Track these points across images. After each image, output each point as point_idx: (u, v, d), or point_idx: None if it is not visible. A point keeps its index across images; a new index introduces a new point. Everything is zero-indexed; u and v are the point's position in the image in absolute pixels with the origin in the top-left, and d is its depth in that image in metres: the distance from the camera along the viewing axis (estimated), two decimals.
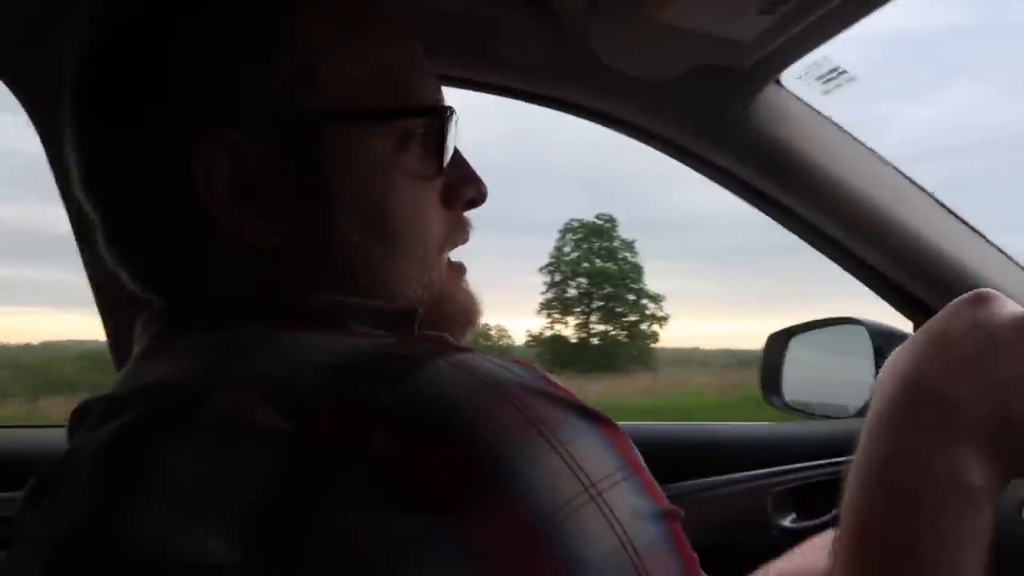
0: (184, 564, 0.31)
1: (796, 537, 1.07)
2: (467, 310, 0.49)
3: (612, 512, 0.32)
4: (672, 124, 0.94)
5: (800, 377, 1.24)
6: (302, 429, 0.32)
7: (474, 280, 0.51)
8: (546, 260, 27.08)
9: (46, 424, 1.32)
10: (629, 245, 27.14)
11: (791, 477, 1.14)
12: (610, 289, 26.42)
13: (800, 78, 0.93)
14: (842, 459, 1.21)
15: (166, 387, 0.38)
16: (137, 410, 0.37)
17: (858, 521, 0.41)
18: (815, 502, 1.12)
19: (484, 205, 0.50)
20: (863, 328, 1.11)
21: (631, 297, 26.96)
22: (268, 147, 0.42)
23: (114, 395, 0.41)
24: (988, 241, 1.04)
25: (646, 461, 0.36)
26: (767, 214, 1.04)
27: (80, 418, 0.41)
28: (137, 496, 0.34)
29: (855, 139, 0.98)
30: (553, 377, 0.36)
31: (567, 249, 27.32)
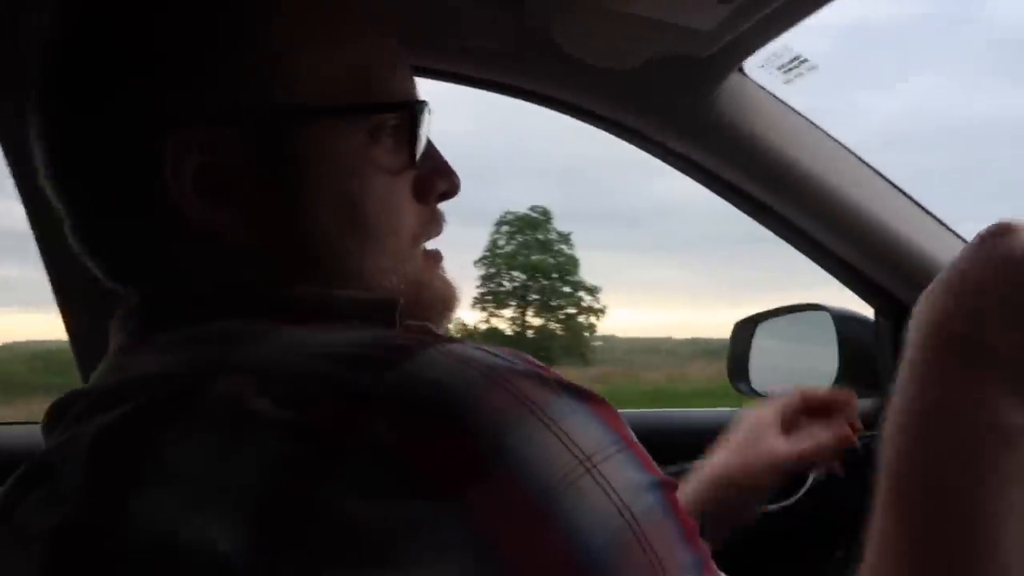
0: (187, 552, 0.31)
1: (761, 521, 1.09)
2: (444, 297, 0.49)
3: (608, 483, 0.33)
4: (636, 113, 0.95)
5: (767, 363, 1.26)
6: (301, 416, 0.32)
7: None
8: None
9: None
10: (565, 237, 27.16)
11: None
12: (545, 282, 26.41)
13: (763, 67, 0.94)
14: None
15: (158, 379, 0.38)
16: (132, 402, 0.37)
17: (897, 469, 0.41)
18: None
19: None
20: (827, 314, 1.13)
21: (567, 290, 26.97)
22: (238, 143, 0.42)
23: (99, 389, 0.40)
24: (948, 229, 1.06)
25: None
26: (731, 202, 1.05)
27: (57, 414, 0.41)
28: (138, 486, 0.34)
29: (817, 128, 0.99)
30: (540, 362, 0.37)
31: (501, 242, 27.14)
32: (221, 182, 0.41)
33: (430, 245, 0.50)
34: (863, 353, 1.26)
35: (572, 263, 27.08)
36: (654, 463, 0.36)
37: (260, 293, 0.42)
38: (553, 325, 27.18)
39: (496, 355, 0.35)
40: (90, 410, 0.38)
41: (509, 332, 27.31)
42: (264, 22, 0.42)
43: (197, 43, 0.41)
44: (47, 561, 0.35)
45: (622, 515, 0.33)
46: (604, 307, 27.13)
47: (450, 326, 0.51)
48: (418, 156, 0.47)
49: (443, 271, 0.50)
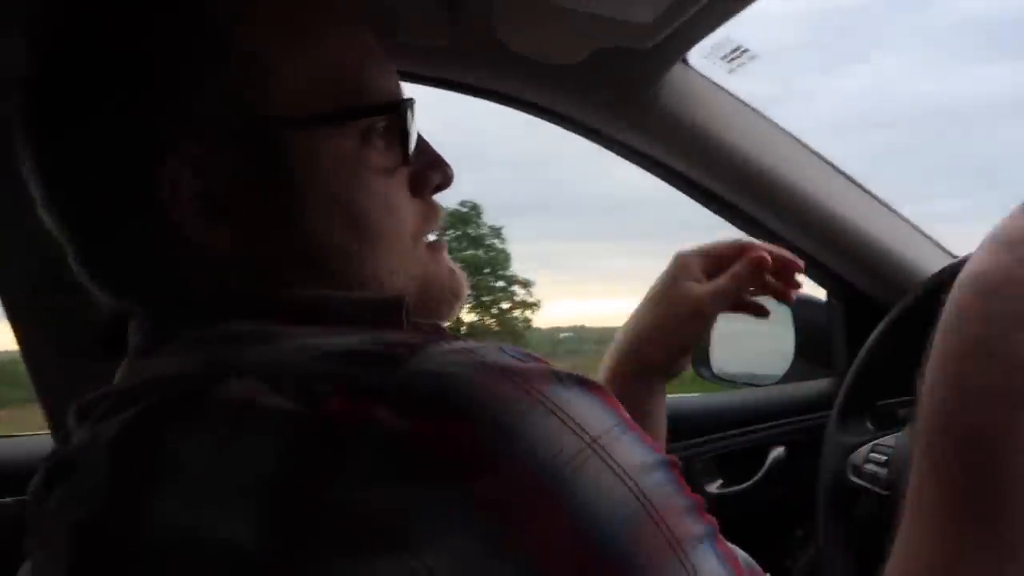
0: (206, 546, 0.32)
1: (722, 502, 1.11)
2: (452, 288, 0.50)
3: (616, 463, 0.34)
4: (583, 106, 0.95)
5: (727, 347, 1.28)
6: (311, 409, 0.33)
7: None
8: None
9: None
10: (496, 232, 26.67)
11: (718, 445, 1.17)
12: (478, 278, 25.90)
13: (706, 57, 0.96)
14: (763, 425, 1.25)
15: (170, 380, 0.38)
16: (147, 401, 0.37)
17: (933, 414, 0.41)
18: (738, 468, 1.16)
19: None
20: None
21: (500, 284, 26.50)
22: (230, 159, 0.41)
23: (120, 389, 0.41)
24: (895, 212, 1.08)
25: None
26: (684, 192, 1.07)
27: (83, 414, 0.42)
28: (155, 483, 0.34)
29: (762, 116, 1.01)
30: (538, 355, 0.37)
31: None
32: (220, 200, 0.42)
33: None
34: (817, 334, 1.28)
35: (504, 257, 26.54)
36: (654, 442, 0.37)
37: (266, 297, 0.42)
38: (488, 321, 26.73)
39: (495, 349, 0.36)
40: (110, 410, 0.39)
41: None
42: (245, 35, 0.42)
43: (180, 63, 0.41)
44: (73, 557, 0.36)
45: (633, 494, 0.33)
46: (538, 301, 26.86)
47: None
48: (411, 153, 0.47)
49: (447, 262, 0.50)
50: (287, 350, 0.37)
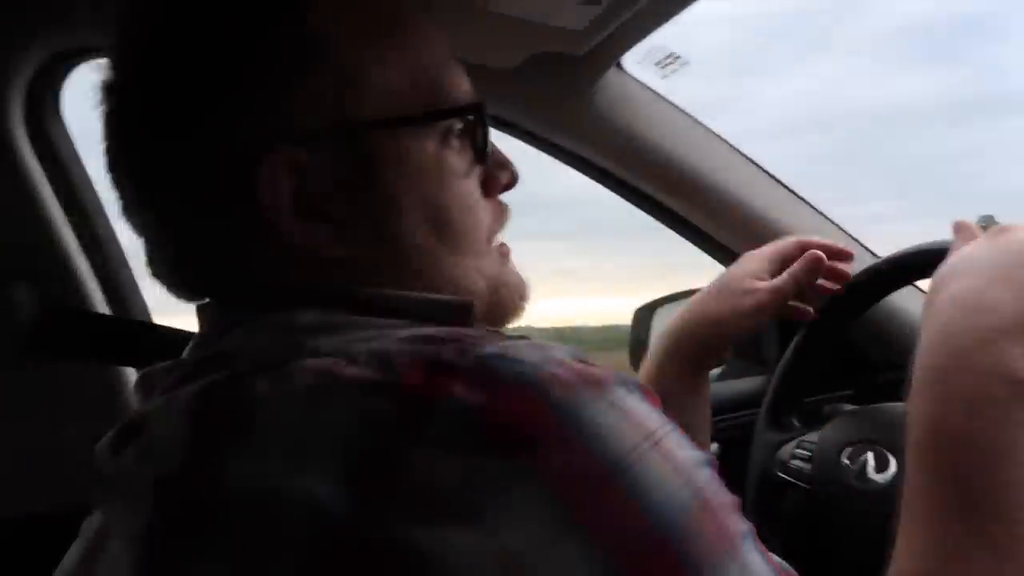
0: (285, 505, 0.33)
1: None
2: (520, 291, 0.51)
3: (672, 457, 0.35)
4: (518, 111, 0.96)
5: None
6: (392, 380, 0.34)
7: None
8: None
9: None
10: None
11: None
12: None
13: (640, 63, 0.97)
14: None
15: (252, 351, 0.40)
16: (229, 369, 0.38)
17: (922, 425, 0.45)
18: None
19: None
20: None
21: None
22: (324, 160, 0.43)
23: (195, 359, 0.42)
24: (823, 215, 1.12)
25: None
26: (619, 195, 1.08)
27: (149, 382, 0.44)
28: (238, 443, 0.35)
29: (695, 120, 1.03)
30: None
31: None
32: (313, 199, 0.43)
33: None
34: (751, 333, 1.32)
35: None
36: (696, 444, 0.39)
37: (345, 293, 0.43)
38: None
39: (558, 346, 0.38)
40: (185, 377, 0.40)
41: None
42: (339, 40, 0.43)
43: (277, 66, 0.42)
44: (153, 511, 0.37)
45: (689, 487, 0.35)
46: None
47: None
48: (482, 156, 0.48)
49: (513, 265, 0.52)
50: (360, 336, 0.39)
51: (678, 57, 0.91)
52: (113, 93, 0.45)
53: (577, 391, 0.35)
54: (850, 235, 1.13)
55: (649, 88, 0.99)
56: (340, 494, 0.32)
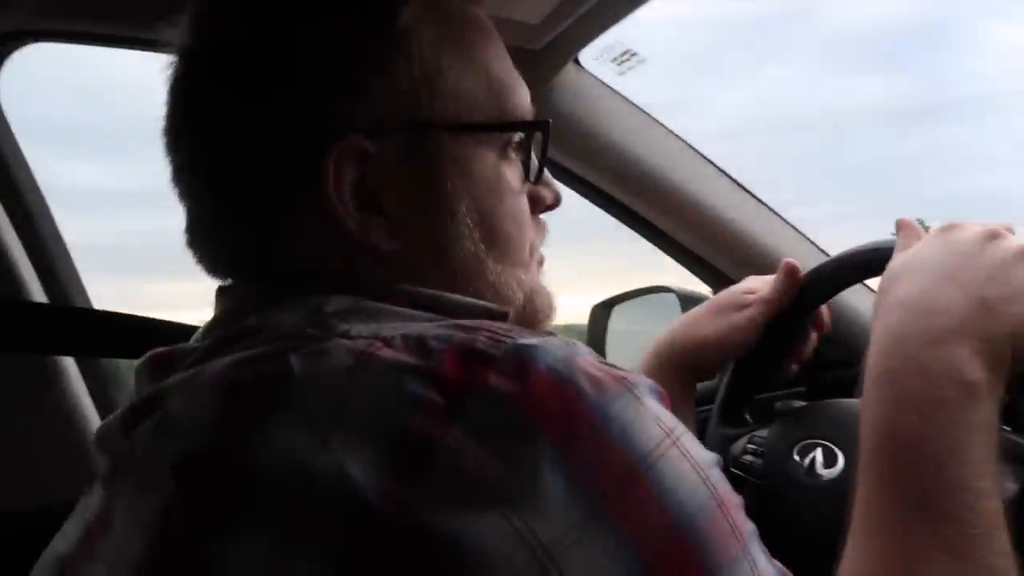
0: (318, 481, 0.32)
1: None
2: (551, 304, 0.52)
3: (689, 454, 0.36)
4: None
5: (622, 344, 1.31)
6: (430, 366, 0.34)
7: None
8: None
9: None
10: None
11: None
12: None
13: (597, 59, 0.97)
14: None
15: (284, 328, 0.39)
16: (259, 347, 0.38)
17: (875, 428, 0.46)
18: None
19: None
20: (673, 295, 1.18)
21: None
22: (391, 155, 0.43)
23: (220, 336, 0.41)
24: (775, 214, 1.13)
25: None
26: (577, 191, 1.08)
27: (160, 364, 0.43)
28: (272, 418, 0.35)
29: (651, 118, 1.03)
30: None
31: None
32: (373, 192, 0.43)
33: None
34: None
35: None
36: None
37: (376, 284, 0.43)
38: None
39: (588, 348, 0.38)
40: (211, 354, 0.40)
41: None
42: (422, 40, 0.44)
43: (360, 58, 0.43)
44: (171, 493, 0.36)
45: (705, 485, 0.35)
46: None
47: None
48: (541, 174, 0.50)
49: (544, 278, 0.53)
50: (395, 322, 0.39)
51: (635, 54, 0.92)
52: (187, 57, 0.45)
53: (606, 386, 0.35)
54: (802, 234, 1.14)
55: (606, 85, 0.99)
56: (374, 475, 0.32)
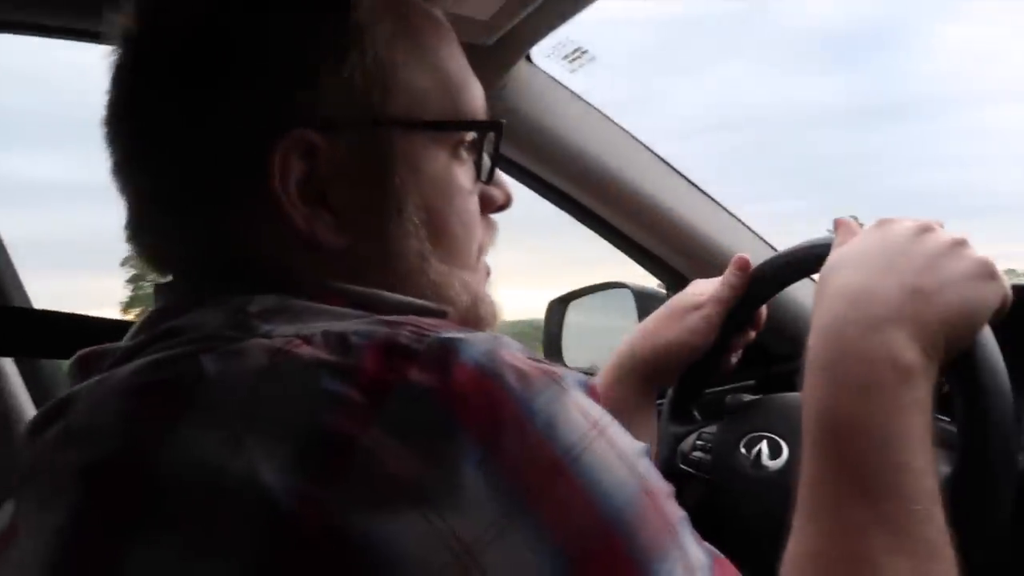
0: (230, 485, 0.32)
1: None
2: (495, 311, 0.52)
3: (617, 445, 0.36)
4: None
5: (578, 340, 1.31)
6: (349, 363, 0.34)
7: None
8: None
9: None
10: None
11: None
12: None
13: (548, 56, 0.97)
14: None
15: (201, 329, 0.38)
16: (173, 349, 0.37)
17: (818, 411, 0.48)
18: None
19: None
20: (628, 290, 1.20)
21: None
22: (341, 150, 0.43)
23: (139, 340, 0.40)
24: (725, 210, 1.14)
25: None
26: (530, 187, 1.08)
27: (85, 364, 0.42)
28: (183, 421, 0.34)
29: (603, 115, 1.04)
30: None
31: None
32: (321, 187, 0.43)
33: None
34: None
35: None
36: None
37: (312, 282, 0.42)
38: None
39: (513, 340, 0.38)
40: (128, 356, 0.39)
41: None
42: (378, 36, 0.43)
43: (313, 52, 0.42)
44: (78, 502, 0.34)
45: (633, 475, 0.35)
46: None
47: None
48: (490, 174, 0.50)
49: (492, 287, 0.52)
50: (318, 319, 0.38)
51: (585, 51, 0.92)
52: (130, 45, 0.44)
53: (531, 380, 0.35)
54: (753, 231, 1.16)
55: (559, 82, 0.99)
56: (288, 477, 0.31)
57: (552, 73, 0.99)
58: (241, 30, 0.42)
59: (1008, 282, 0.52)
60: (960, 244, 0.52)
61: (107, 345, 0.42)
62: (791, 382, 0.92)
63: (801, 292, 1.04)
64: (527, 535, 0.31)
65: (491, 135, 0.49)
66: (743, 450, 0.72)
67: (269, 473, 0.31)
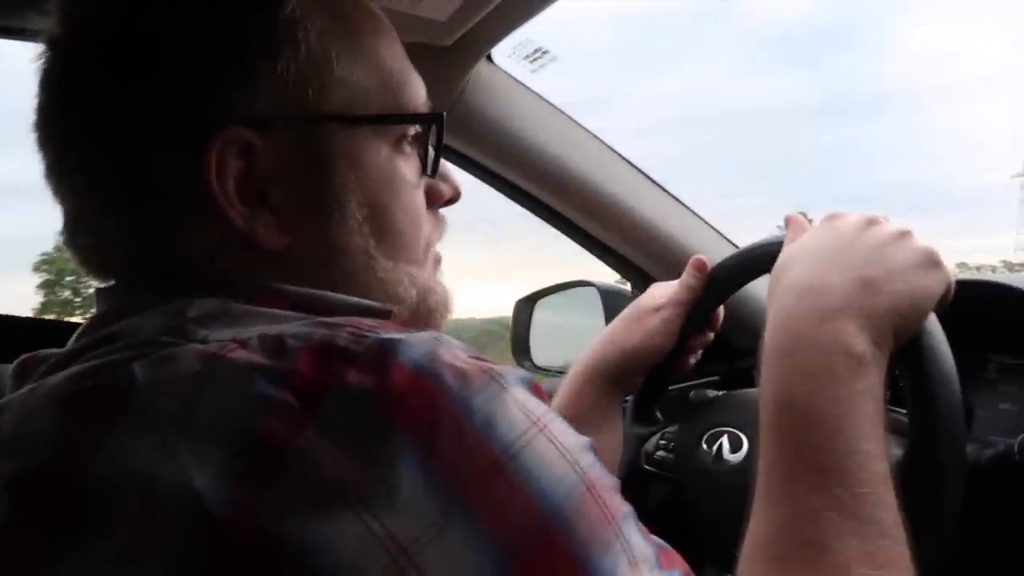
0: (164, 492, 0.31)
1: None
2: (446, 302, 0.51)
3: (558, 441, 0.36)
4: None
5: (546, 338, 1.32)
6: (283, 367, 0.33)
7: None
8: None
9: None
10: None
11: None
12: None
13: (509, 57, 0.97)
14: None
15: (135, 336, 0.38)
16: (109, 353, 0.37)
17: (773, 401, 0.49)
18: None
19: None
20: (594, 288, 1.20)
21: None
22: (278, 147, 0.42)
23: (73, 348, 0.40)
24: (687, 208, 1.15)
25: None
26: (494, 187, 1.08)
27: (22, 371, 0.42)
28: (114, 430, 0.34)
29: (565, 114, 1.04)
30: None
31: None
32: (259, 185, 0.42)
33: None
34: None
35: None
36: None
37: (253, 284, 0.42)
38: None
39: (456, 341, 0.38)
40: (61, 364, 0.39)
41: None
42: (312, 32, 0.43)
43: (246, 49, 0.42)
44: (9, 508, 0.34)
45: (574, 470, 0.35)
46: None
47: None
48: (435, 167, 0.49)
49: (441, 275, 0.52)
50: (261, 322, 0.38)
51: (546, 52, 0.92)
52: (58, 48, 0.43)
53: (470, 379, 0.35)
54: (715, 229, 1.17)
55: (520, 83, 0.99)
56: (221, 483, 0.31)
57: (513, 73, 0.99)
58: (168, 28, 0.41)
59: (950, 271, 0.54)
60: (904, 235, 0.54)
61: (45, 351, 0.42)
62: (753, 377, 0.93)
63: (761, 288, 1.05)
64: (465, 534, 0.31)
65: (435, 129, 0.49)
66: (704, 446, 0.73)
67: (202, 479, 0.31)
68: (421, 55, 0.86)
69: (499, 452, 0.33)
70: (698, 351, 0.81)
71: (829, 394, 0.47)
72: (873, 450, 0.46)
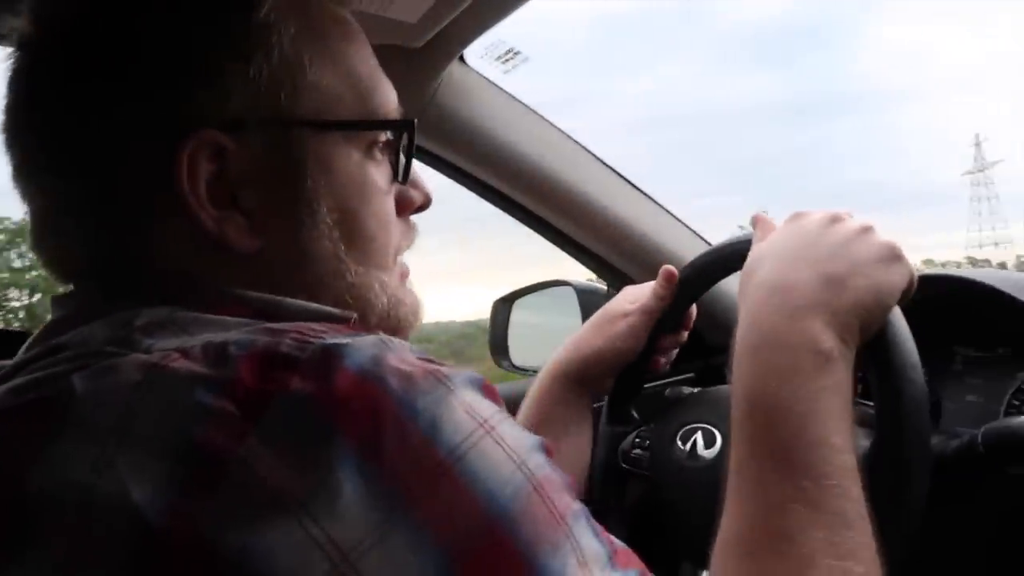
0: (101, 503, 0.31)
1: None
2: (415, 311, 0.51)
3: (506, 443, 0.36)
4: None
5: (524, 338, 1.32)
6: (222, 373, 0.33)
7: None
8: None
9: None
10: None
11: None
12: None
13: (482, 58, 0.97)
14: None
15: (79, 347, 0.38)
16: (53, 364, 0.37)
17: (744, 397, 0.50)
18: None
19: None
20: (571, 288, 1.21)
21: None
22: (250, 151, 0.42)
23: (23, 356, 0.40)
24: (661, 207, 1.16)
25: None
26: (469, 188, 1.08)
27: None
28: (47, 446, 0.33)
29: (538, 115, 1.04)
30: None
31: (13, 259, 23.73)
32: (230, 189, 0.42)
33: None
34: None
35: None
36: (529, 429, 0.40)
37: (214, 287, 0.42)
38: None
39: (403, 344, 0.38)
40: (8, 375, 0.38)
41: None
42: (282, 33, 0.43)
43: (218, 53, 0.42)
44: None
45: (521, 471, 0.35)
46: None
47: None
48: (405, 174, 0.49)
49: (410, 284, 0.52)
50: (207, 329, 0.38)
51: (517, 52, 0.93)
52: (28, 48, 0.43)
53: (415, 381, 0.35)
54: (689, 228, 1.18)
55: (493, 83, 0.99)
56: (159, 494, 0.31)
57: (486, 74, 0.99)
58: (141, 29, 0.41)
59: (912, 265, 0.56)
60: (867, 230, 0.55)
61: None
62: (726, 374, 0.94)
63: (734, 285, 1.06)
64: (409, 538, 0.31)
65: (406, 135, 0.49)
66: (679, 443, 0.74)
67: (140, 490, 0.31)
68: (393, 57, 0.87)
69: (444, 454, 0.33)
70: (671, 351, 0.82)
71: (797, 389, 0.48)
72: (839, 443, 0.47)
